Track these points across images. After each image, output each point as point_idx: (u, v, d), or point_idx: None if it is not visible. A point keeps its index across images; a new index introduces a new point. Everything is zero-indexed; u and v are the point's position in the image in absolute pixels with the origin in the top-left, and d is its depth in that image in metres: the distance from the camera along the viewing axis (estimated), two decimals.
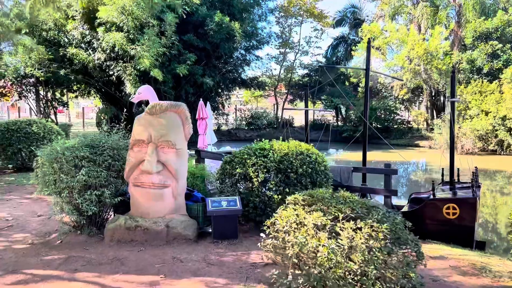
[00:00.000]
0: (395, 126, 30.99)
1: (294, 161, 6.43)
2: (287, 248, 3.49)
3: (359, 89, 30.25)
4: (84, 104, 45.58)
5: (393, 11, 28.96)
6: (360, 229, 3.35)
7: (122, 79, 21.75)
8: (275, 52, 42.53)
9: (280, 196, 6.28)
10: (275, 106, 36.61)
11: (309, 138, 10.59)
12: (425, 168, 21.54)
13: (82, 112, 38.66)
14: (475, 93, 23.60)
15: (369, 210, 3.61)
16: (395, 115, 31.12)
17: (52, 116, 26.95)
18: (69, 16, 21.81)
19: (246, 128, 34.49)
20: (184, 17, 20.36)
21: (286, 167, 6.40)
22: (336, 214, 3.51)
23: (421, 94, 31.07)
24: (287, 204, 4.08)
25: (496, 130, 22.34)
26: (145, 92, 12.31)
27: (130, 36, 20.48)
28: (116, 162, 6.08)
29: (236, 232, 6.09)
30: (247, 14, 27.59)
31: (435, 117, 29.14)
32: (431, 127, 27.71)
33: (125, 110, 23.42)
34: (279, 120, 34.78)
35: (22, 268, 4.96)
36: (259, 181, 6.37)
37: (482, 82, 23.46)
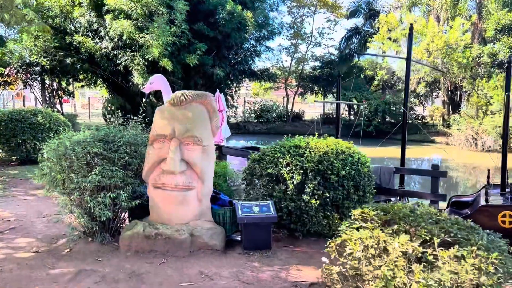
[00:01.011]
0: (409, 121, 30.03)
1: (335, 161, 5.63)
2: (365, 281, 2.70)
3: (375, 82, 29.28)
4: (90, 94, 44.83)
5: (411, 2, 27.87)
6: (463, 258, 2.57)
7: (130, 68, 20.99)
8: (287, 43, 41.61)
9: (318, 201, 5.51)
10: (285, 99, 35.69)
11: (339, 134, 9.79)
12: (446, 166, 20.68)
13: (88, 102, 37.91)
14: (497, 88, 22.61)
15: (468, 232, 2.82)
16: (410, 110, 30.15)
17: (58, 106, 26.24)
18: (76, 3, 21.00)
19: (255, 121, 33.63)
20: (195, 5, 19.53)
21: (326, 168, 5.60)
22: (427, 237, 2.71)
23: (437, 89, 30.09)
24: (353, 219, 3.29)
25: None
26: (157, 82, 11.58)
27: (138, 24, 19.65)
28: (134, 159, 5.30)
29: (269, 242, 5.32)
30: (259, 3, 26.67)
31: (451, 112, 28.18)
32: (448, 122, 26.76)
33: (136, 99, 22.67)
34: (289, 114, 33.89)
35: (25, 286, 4.22)
36: (295, 183, 5.58)
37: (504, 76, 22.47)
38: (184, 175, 5.08)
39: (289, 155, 5.78)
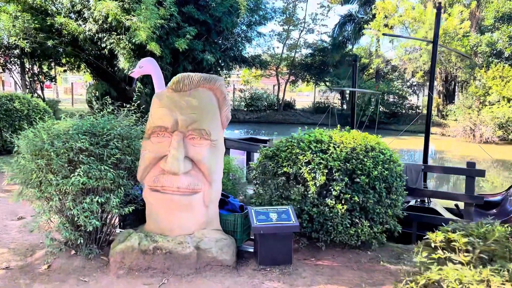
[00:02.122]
0: (403, 111, 29.45)
1: (365, 159, 4.79)
2: None
3: (370, 70, 28.50)
4: (73, 80, 43.14)
5: None
6: None
7: (115, 53, 19.85)
8: (279, 29, 40.40)
9: (345, 206, 4.67)
10: (277, 87, 34.73)
11: (355, 125, 8.96)
12: (442, 158, 20.10)
13: (71, 88, 36.37)
14: (495, 78, 22.06)
15: None
16: (404, 100, 29.55)
17: (39, 91, 24.87)
18: None
19: (245, 109, 32.65)
20: None
21: (354, 167, 4.76)
22: None
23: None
24: (433, 246, 2.44)
25: None
26: (147, 66, 10.45)
27: (125, 5, 18.44)
28: (127, 156, 4.38)
29: (290, 256, 4.48)
30: None
31: (446, 103, 27.62)
32: (443, 113, 26.21)
33: (122, 85, 21.58)
34: (280, 102, 32.98)
35: None
36: (317, 185, 4.73)
37: (503, 66, 21.90)
38: (188, 176, 4.18)
39: (310, 151, 4.91)
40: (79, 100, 34.08)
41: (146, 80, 21.13)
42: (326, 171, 4.73)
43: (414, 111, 29.68)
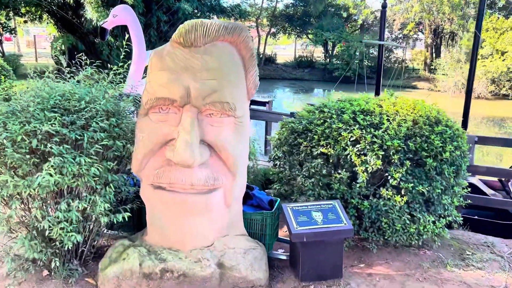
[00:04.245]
0: (389, 65, 28.39)
1: (432, 136, 3.66)
2: None
3: (359, 21, 27.04)
4: (36, 32, 39.80)
5: None
6: None
7: (81, 1, 17.90)
8: None
9: (404, 198, 3.58)
10: (257, 39, 32.89)
11: (380, 85, 7.80)
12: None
13: (33, 41, 33.46)
14: (488, 30, 21.11)
15: None
16: (389, 53, 28.41)
17: None
18: None
19: None
20: None
21: (419, 146, 3.64)
22: None
23: (420, 32, 28.32)
24: None
25: (511, 72, 20.17)
26: (123, 15, 8.79)
27: None
28: (116, 141, 3.09)
29: (340, 268, 3.40)
30: None
31: (434, 57, 26.67)
32: (432, 67, 25.31)
33: (90, 38, 19.69)
34: (261, 56, 31.33)
35: None
36: (369, 171, 3.60)
37: (498, 17, 20.91)
38: (205, 168, 2.96)
39: (357, 126, 3.74)
40: (43, 54, 31.42)
41: (117, 32, 19.24)
42: (382, 153, 3.58)
43: (400, 65, 28.68)
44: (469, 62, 20.87)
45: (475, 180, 6.03)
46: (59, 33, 23.78)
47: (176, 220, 3.06)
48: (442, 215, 3.86)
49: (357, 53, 27.64)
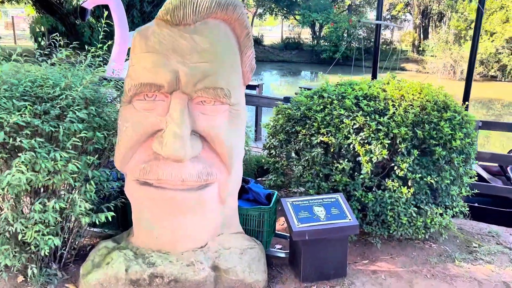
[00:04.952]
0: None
1: (441, 123, 3.40)
2: None
3: (347, 1, 26.60)
4: (14, 13, 38.42)
5: None
6: None
7: None
8: None
9: (411, 190, 3.34)
10: None
11: (377, 69, 7.53)
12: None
13: (12, 23, 32.26)
14: None
15: None
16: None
17: None
18: None
19: None
20: None
21: (427, 134, 3.38)
22: None
23: (408, 13, 28.00)
24: None
25: (500, 53, 20.04)
26: None
27: None
28: (96, 132, 2.75)
29: (344, 267, 3.16)
30: None
31: (422, 38, 26.44)
32: (420, 49, 25.09)
33: (71, 19, 18.98)
34: None
35: None
36: (375, 161, 3.34)
37: None
38: (197, 162, 2.65)
39: (361, 112, 3.46)
40: (22, 36, 30.35)
41: (99, 12, 18.56)
42: (388, 141, 3.31)
43: (388, 47, 28.42)
44: (457, 44, 20.61)
45: (474, 165, 5.84)
46: (38, 14, 22.93)
47: (166, 220, 2.76)
48: (450, 207, 3.63)
49: (345, 35, 27.30)
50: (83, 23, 19.11)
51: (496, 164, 6.06)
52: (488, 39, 20.21)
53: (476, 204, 5.33)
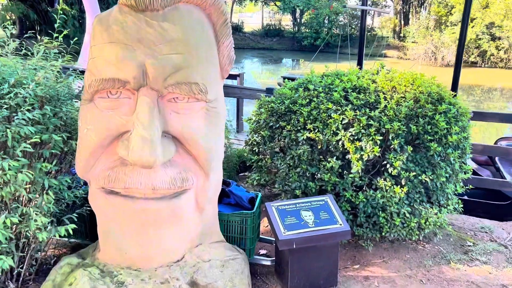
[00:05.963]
0: (356, 33, 27.91)
1: (436, 116, 3.15)
2: None
3: None
4: None
5: None
6: None
7: None
8: None
9: (405, 189, 3.10)
10: None
11: (363, 57, 7.28)
12: None
13: None
14: None
15: None
16: (358, 21, 27.85)
17: None
18: None
19: None
20: None
21: (421, 129, 3.13)
22: None
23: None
24: None
25: (480, 39, 20.06)
26: None
27: None
28: (53, 135, 2.40)
29: (335, 275, 2.90)
30: None
31: (403, 24, 26.31)
32: (401, 34, 25.00)
33: (43, 6, 18.23)
34: None
35: None
36: (365, 159, 3.08)
37: None
38: (171, 167, 2.34)
39: (350, 106, 3.19)
40: None
41: None
42: (380, 137, 3.05)
43: (369, 33, 28.26)
44: (438, 30, 20.55)
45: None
46: (8, 1, 21.99)
47: (136, 233, 2.44)
48: (444, 205, 3.41)
49: (326, 21, 27.02)
50: (53, 10, 18.30)
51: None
52: (469, 24, 20.16)
53: (465, 197, 5.16)
